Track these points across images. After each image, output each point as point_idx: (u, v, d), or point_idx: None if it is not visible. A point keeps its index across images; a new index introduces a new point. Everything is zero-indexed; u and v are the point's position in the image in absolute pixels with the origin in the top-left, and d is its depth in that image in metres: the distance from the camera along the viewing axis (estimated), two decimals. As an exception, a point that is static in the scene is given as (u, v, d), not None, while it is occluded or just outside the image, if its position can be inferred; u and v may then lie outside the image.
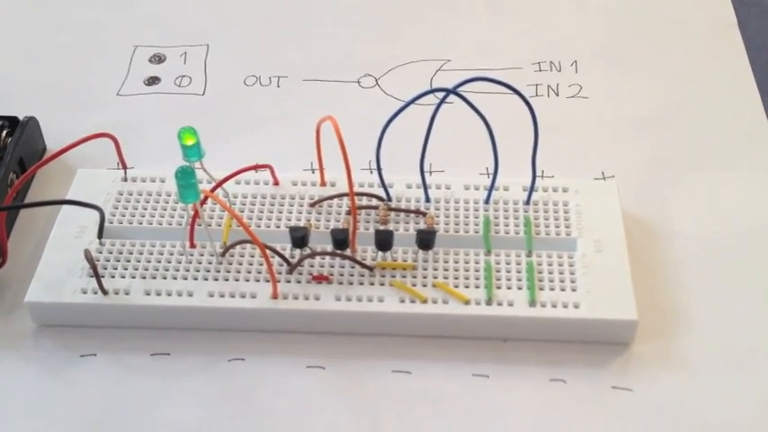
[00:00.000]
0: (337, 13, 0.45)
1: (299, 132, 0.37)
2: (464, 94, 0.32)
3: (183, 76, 0.42)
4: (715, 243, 0.34)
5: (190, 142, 0.31)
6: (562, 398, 0.30)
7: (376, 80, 0.41)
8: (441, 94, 0.31)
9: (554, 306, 0.31)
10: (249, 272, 0.32)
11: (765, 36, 0.43)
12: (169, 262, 0.32)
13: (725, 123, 0.39)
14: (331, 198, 0.34)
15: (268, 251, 0.31)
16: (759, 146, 0.38)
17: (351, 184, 0.31)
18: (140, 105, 0.41)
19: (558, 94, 0.40)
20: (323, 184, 0.35)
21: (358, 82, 0.41)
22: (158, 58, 0.43)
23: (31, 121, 0.37)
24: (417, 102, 0.32)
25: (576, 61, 0.42)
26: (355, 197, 0.34)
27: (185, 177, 0.29)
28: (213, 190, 0.33)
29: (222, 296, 0.31)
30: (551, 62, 0.42)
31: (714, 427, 0.29)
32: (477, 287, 0.31)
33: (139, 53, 0.43)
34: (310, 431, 0.30)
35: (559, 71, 0.41)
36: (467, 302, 0.31)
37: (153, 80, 0.42)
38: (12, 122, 0.37)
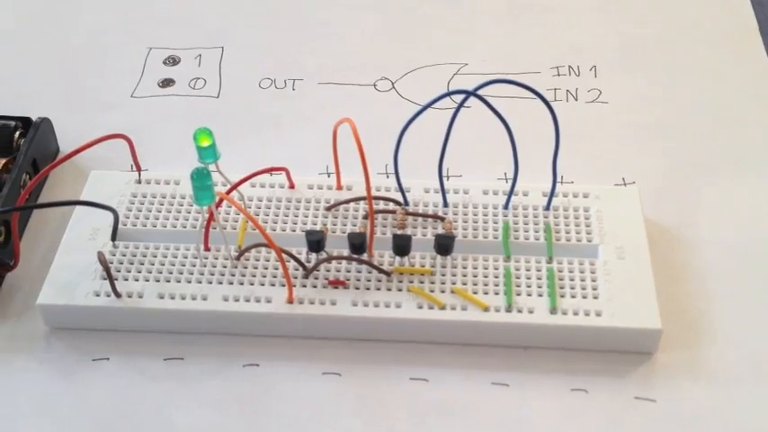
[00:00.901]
0: (353, 16, 0.44)
1: (315, 135, 0.37)
2: (489, 102, 0.31)
3: (198, 78, 0.42)
4: (739, 250, 0.33)
5: (205, 143, 0.30)
6: (584, 408, 0.29)
7: (392, 83, 0.41)
8: (458, 98, 0.31)
9: (575, 314, 0.30)
10: (264, 276, 0.32)
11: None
12: (183, 265, 0.32)
13: (746, 128, 0.38)
14: (348, 202, 0.34)
15: (284, 255, 0.31)
16: (783, 152, 0.37)
17: (368, 188, 0.30)
18: (154, 107, 0.40)
19: (576, 99, 0.40)
20: (339, 187, 0.34)
21: (374, 85, 0.41)
22: (173, 60, 0.43)
23: (45, 122, 0.37)
24: (434, 105, 0.31)
25: (595, 66, 0.41)
26: (372, 201, 0.33)
27: (201, 179, 0.29)
28: (228, 192, 0.32)
29: (237, 300, 0.31)
30: (570, 66, 0.41)
31: (740, 439, 0.29)
32: (496, 294, 0.31)
33: (154, 55, 0.43)
34: (325, 439, 0.29)
35: (578, 76, 0.41)
36: (486, 309, 0.30)
37: (167, 82, 0.42)
38: (25, 123, 0.37)
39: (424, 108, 0.31)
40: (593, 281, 0.31)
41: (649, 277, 0.31)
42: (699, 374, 0.30)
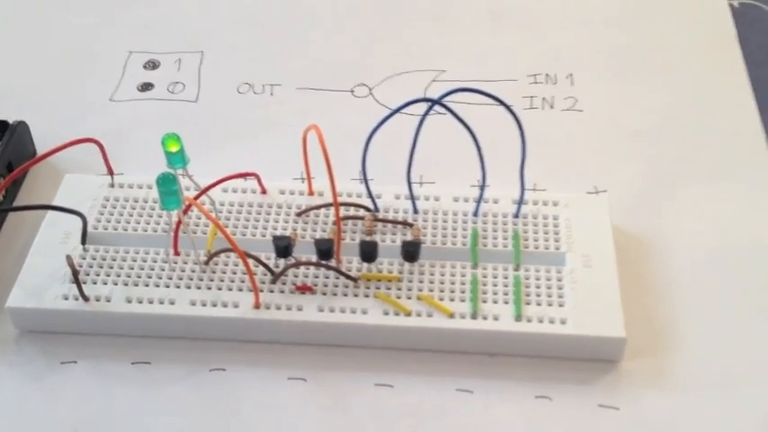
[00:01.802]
0: (332, 22, 0.44)
1: (292, 141, 0.37)
2: (457, 106, 0.31)
3: (177, 82, 0.42)
4: (707, 259, 0.34)
5: (174, 149, 0.30)
6: (547, 415, 0.30)
7: (370, 90, 0.41)
8: (429, 104, 0.31)
9: (540, 321, 0.30)
10: (233, 281, 0.32)
11: (765, 51, 0.42)
12: (152, 269, 0.32)
13: (721, 138, 0.38)
14: (317, 208, 0.34)
15: (252, 261, 0.31)
16: (754, 162, 0.37)
17: (335, 194, 0.31)
18: (133, 111, 0.41)
19: (552, 107, 0.40)
20: (311, 193, 0.35)
21: (351, 91, 0.41)
22: (153, 65, 0.43)
23: (21, 125, 0.37)
24: (411, 112, 0.32)
25: (571, 74, 0.41)
26: (342, 207, 0.33)
27: (166, 184, 0.29)
28: (197, 197, 0.32)
29: (204, 305, 0.31)
30: (547, 74, 0.41)
31: (701, 448, 0.29)
32: (462, 300, 0.31)
33: (134, 59, 0.43)
34: (290, 444, 0.29)
35: (555, 84, 0.41)
36: (451, 316, 0.31)
37: (146, 86, 0.42)
38: (2, 126, 0.37)
39: (391, 114, 0.31)
40: (560, 288, 0.31)
41: (615, 286, 0.31)
42: (663, 383, 0.30)
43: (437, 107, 0.31)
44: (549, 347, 0.30)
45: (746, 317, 0.32)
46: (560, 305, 0.31)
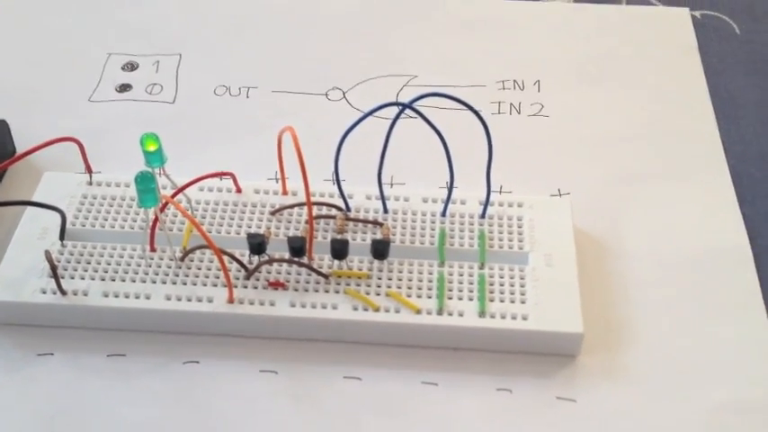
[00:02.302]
0: (309, 27, 0.45)
1: (267, 142, 0.38)
2: (427, 110, 0.33)
3: (155, 84, 0.43)
4: (663, 260, 0.35)
5: (152, 148, 0.31)
6: (508, 407, 0.31)
7: (343, 93, 0.42)
8: (400, 108, 0.32)
9: (503, 317, 0.32)
10: (207, 276, 0.33)
11: (725, 61, 0.44)
12: (129, 265, 0.33)
13: (680, 144, 0.40)
14: (291, 207, 0.35)
15: (226, 257, 0.32)
16: (711, 166, 0.39)
17: (308, 193, 0.32)
18: (111, 112, 0.41)
19: (519, 112, 0.41)
20: (285, 193, 0.36)
21: (326, 95, 0.42)
22: (131, 66, 0.44)
23: (1, 124, 0.38)
24: (384, 116, 0.33)
25: (538, 81, 0.43)
26: (315, 206, 0.34)
27: (144, 182, 0.30)
28: (173, 196, 0.33)
29: (179, 300, 0.32)
30: (515, 81, 0.43)
31: (654, 438, 0.30)
32: (429, 297, 0.32)
33: (113, 60, 0.44)
34: (261, 434, 0.30)
35: (522, 90, 0.42)
36: (418, 312, 0.32)
37: (125, 87, 0.43)
38: (-19, 125, 0.38)
39: (363, 118, 0.32)
40: (522, 286, 0.33)
41: (575, 284, 0.33)
42: (618, 377, 0.32)
43: (408, 111, 0.32)
44: (510, 342, 0.32)
45: (699, 315, 0.33)
46: (522, 302, 0.32)
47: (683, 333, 0.33)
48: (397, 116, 0.32)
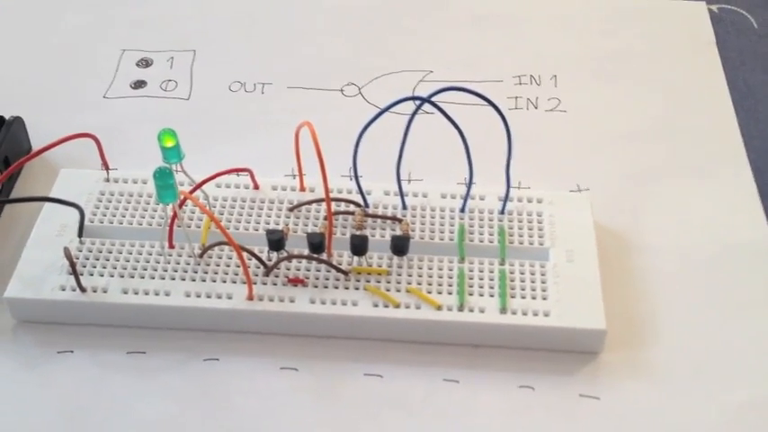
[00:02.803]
0: (323, 22, 0.45)
1: (283, 139, 0.38)
2: (444, 105, 0.32)
3: (170, 80, 0.43)
4: (685, 256, 0.35)
5: (169, 144, 0.31)
6: (530, 404, 0.31)
7: (359, 89, 0.42)
8: (418, 103, 0.32)
9: (524, 314, 0.31)
10: (226, 273, 0.33)
11: (743, 55, 0.43)
12: (147, 262, 0.33)
13: (700, 139, 0.39)
14: (309, 203, 0.35)
15: (245, 253, 0.32)
16: (732, 162, 0.38)
17: (327, 189, 0.32)
18: (126, 108, 0.41)
19: (536, 108, 0.41)
20: (302, 189, 0.35)
21: (341, 90, 0.42)
22: (145, 63, 0.44)
23: (17, 120, 0.38)
24: (400, 111, 0.32)
25: (555, 76, 0.42)
26: (333, 203, 0.34)
27: (163, 178, 0.30)
28: (192, 192, 0.33)
29: (199, 296, 0.32)
30: (531, 76, 0.42)
31: (678, 435, 0.30)
32: (449, 293, 0.32)
33: (127, 57, 0.44)
34: None
35: (539, 85, 0.42)
36: (439, 308, 0.32)
37: (139, 84, 0.43)
38: (-2, 122, 0.38)
39: (381, 112, 0.32)
40: (543, 282, 0.32)
41: (597, 280, 0.32)
42: (641, 374, 0.31)
43: (425, 106, 0.32)
44: (532, 339, 0.32)
45: (721, 311, 0.33)
46: (544, 298, 0.32)
47: (706, 329, 0.33)
48: (416, 111, 0.32)
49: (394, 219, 0.34)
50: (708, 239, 0.35)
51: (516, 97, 0.41)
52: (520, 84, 0.42)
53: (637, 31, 0.45)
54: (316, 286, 0.32)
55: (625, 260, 0.35)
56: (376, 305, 0.32)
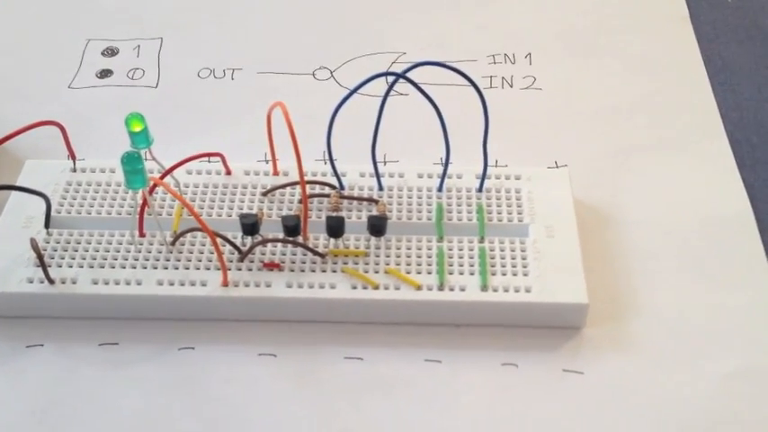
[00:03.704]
0: (292, 5, 0.45)
1: (254, 124, 0.37)
2: (418, 85, 0.32)
3: (137, 68, 0.42)
4: (664, 230, 0.34)
5: (137, 129, 0.30)
6: (514, 381, 0.30)
7: (331, 72, 0.41)
8: (392, 80, 0.31)
9: (506, 291, 0.31)
10: (200, 260, 0.32)
11: (717, 28, 0.43)
12: (118, 251, 0.32)
13: (677, 113, 0.39)
14: (283, 187, 0.34)
15: (219, 239, 0.31)
16: (709, 136, 0.38)
17: (301, 171, 0.31)
18: (92, 98, 0.40)
19: (512, 86, 0.41)
20: (276, 173, 0.35)
21: (313, 74, 0.41)
22: (111, 51, 0.43)
23: (-21, 112, 0.37)
24: (374, 93, 0.32)
25: (529, 54, 0.42)
26: (308, 185, 0.34)
27: (131, 163, 0.29)
28: (162, 177, 0.32)
29: (172, 284, 0.31)
30: (506, 54, 0.42)
31: (663, 407, 0.29)
32: (429, 273, 0.31)
33: (92, 46, 0.43)
34: (262, 419, 0.29)
35: (513, 63, 0.42)
36: (418, 288, 0.31)
37: (105, 73, 0.42)
38: (-41, 113, 0.36)
39: (354, 90, 0.31)
40: (524, 259, 0.32)
41: (577, 255, 0.32)
42: (624, 347, 0.31)
43: (400, 87, 0.32)
44: (514, 316, 0.31)
45: (703, 283, 0.33)
46: (525, 274, 0.31)
47: (688, 301, 0.32)
48: (391, 86, 0.32)
49: (370, 200, 0.34)
50: (687, 212, 0.35)
51: (491, 76, 0.41)
52: (494, 63, 0.42)
53: (611, 7, 0.44)
54: (292, 270, 0.31)
55: (605, 235, 0.34)
56: (354, 287, 0.31)
